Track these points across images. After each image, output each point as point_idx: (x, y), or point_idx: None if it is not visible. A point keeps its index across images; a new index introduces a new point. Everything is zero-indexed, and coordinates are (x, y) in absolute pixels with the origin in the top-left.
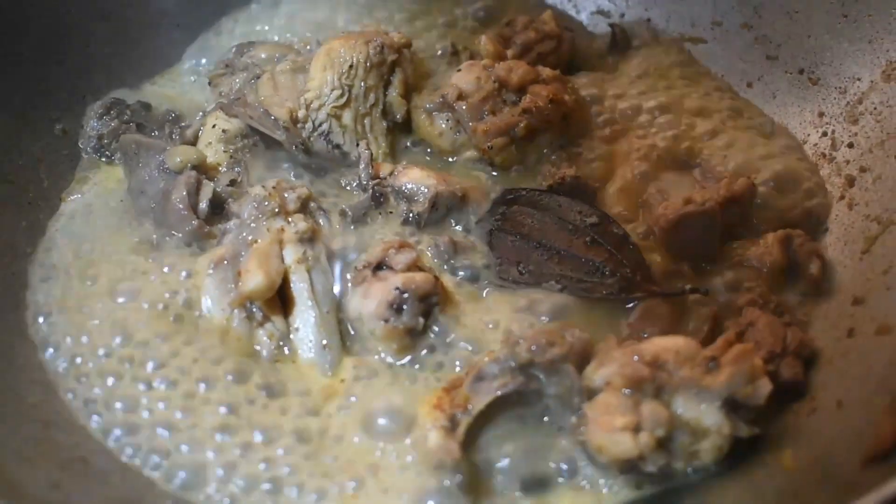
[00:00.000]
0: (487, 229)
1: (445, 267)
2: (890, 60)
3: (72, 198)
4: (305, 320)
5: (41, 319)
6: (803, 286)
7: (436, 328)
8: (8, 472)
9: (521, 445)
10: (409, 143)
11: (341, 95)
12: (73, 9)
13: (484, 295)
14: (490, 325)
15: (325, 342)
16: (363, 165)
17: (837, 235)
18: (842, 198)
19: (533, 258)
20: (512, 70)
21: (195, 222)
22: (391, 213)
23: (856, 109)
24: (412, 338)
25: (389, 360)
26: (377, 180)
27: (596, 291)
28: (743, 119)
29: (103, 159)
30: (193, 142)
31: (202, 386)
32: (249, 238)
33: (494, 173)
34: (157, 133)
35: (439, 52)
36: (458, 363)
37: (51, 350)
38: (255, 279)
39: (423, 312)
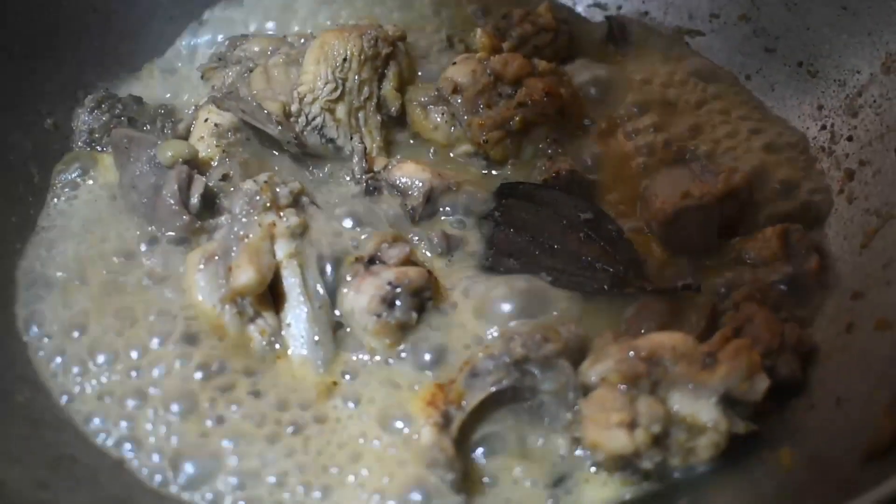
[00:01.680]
0: (484, 219)
1: (438, 260)
2: (889, 53)
3: (63, 190)
4: (297, 316)
5: (30, 316)
6: (802, 281)
7: (429, 323)
8: None
9: (515, 442)
10: (409, 140)
11: (335, 89)
12: (64, 1)
13: (478, 289)
14: (484, 320)
15: (317, 338)
16: (357, 159)
17: (837, 229)
18: (841, 191)
19: (526, 251)
20: (507, 63)
21: (186, 218)
22: (385, 206)
23: (855, 102)
24: (405, 333)
25: (382, 355)
26: (371, 174)
27: (587, 285)
28: (742, 112)
29: (97, 149)
30: (185, 136)
31: (195, 382)
32: (241, 233)
33: (490, 168)
34: (148, 127)
35: (435, 45)
36: (451, 358)
37: (40, 347)
38: (245, 274)
39: (416, 307)
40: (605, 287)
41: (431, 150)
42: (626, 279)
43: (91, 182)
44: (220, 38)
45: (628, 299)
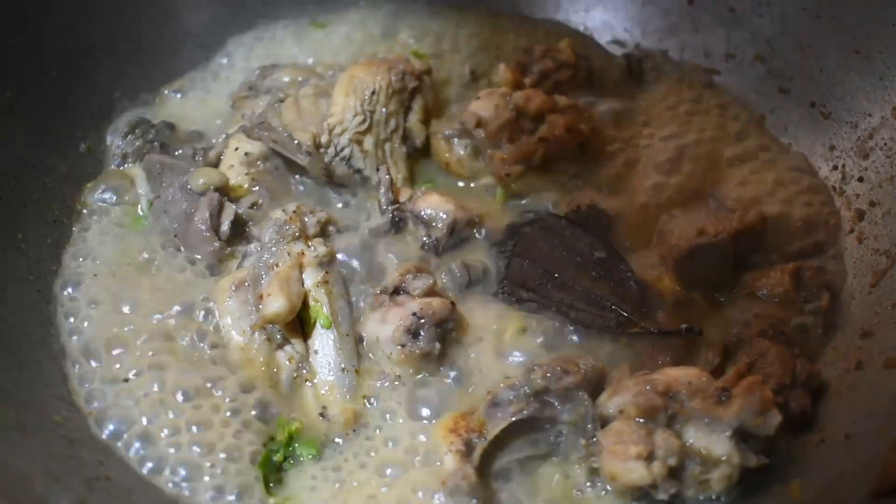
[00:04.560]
0: (502, 250)
1: (460, 291)
2: None
3: (95, 211)
4: (324, 343)
5: (66, 336)
6: (813, 318)
7: (451, 353)
8: (37, 488)
9: (534, 470)
10: (433, 172)
11: (363, 121)
12: (97, 27)
13: (499, 321)
14: (505, 351)
15: (343, 365)
16: (383, 190)
17: (847, 268)
18: (851, 231)
19: (539, 283)
20: (530, 99)
21: (217, 244)
22: (410, 237)
23: (866, 144)
24: (428, 362)
25: (406, 383)
26: (396, 205)
27: (594, 323)
28: (757, 150)
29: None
30: (216, 164)
31: (226, 408)
32: (270, 261)
33: (511, 201)
34: (180, 152)
35: (459, 79)
36: (473, 388)
37: (76, 367)
38: (276, 303)
39: (439, 338)
40: (612, 326)
41: (454, 182)
42: (633, 320)
43: (122, 205)
44: (249, 65)
45: (637, 337)
